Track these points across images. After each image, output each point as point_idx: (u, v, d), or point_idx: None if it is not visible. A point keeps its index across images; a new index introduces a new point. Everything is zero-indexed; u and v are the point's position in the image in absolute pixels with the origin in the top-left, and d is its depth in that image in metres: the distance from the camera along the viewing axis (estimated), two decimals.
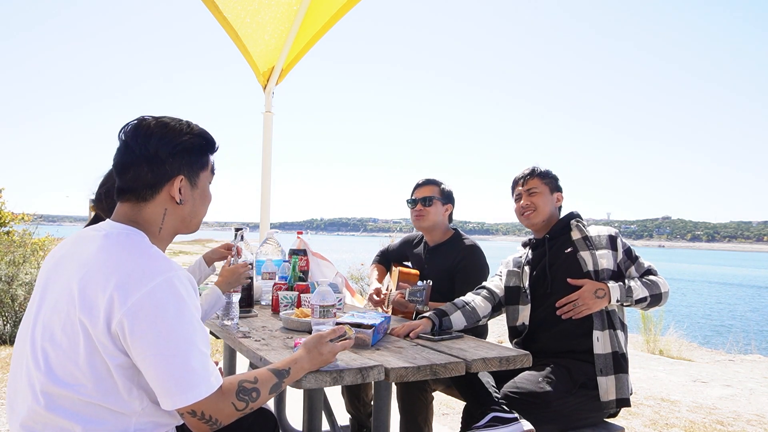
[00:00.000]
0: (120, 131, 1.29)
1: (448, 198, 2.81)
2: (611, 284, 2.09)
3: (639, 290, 2.11)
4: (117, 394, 1.17)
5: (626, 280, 2.14)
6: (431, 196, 2.76)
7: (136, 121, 1.29)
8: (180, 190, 1.30)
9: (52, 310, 1.20)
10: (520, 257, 2.39)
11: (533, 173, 2.35)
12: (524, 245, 2.44)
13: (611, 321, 2.12)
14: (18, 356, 1.26)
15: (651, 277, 2.17)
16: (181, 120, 1.33)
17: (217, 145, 1.38)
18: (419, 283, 2.34)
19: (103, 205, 1.85)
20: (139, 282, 1.13)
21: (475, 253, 2.67)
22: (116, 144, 1.32)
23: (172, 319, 1.13)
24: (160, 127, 1.28)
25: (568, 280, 2.15)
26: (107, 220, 1.31)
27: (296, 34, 3.93)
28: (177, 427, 1.32)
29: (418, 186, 2.84)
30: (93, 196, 1.90)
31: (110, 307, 1.12)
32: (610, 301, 2.08)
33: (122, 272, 1.14)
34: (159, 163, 1.26)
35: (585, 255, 2.17)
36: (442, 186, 2.81)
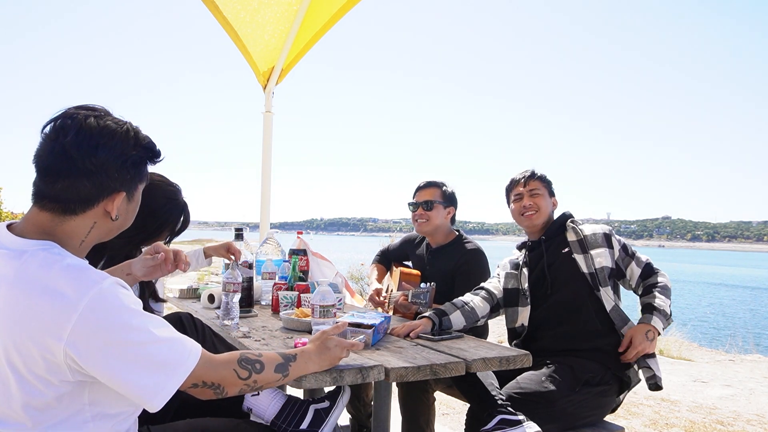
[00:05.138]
0: (51, 128, 1.13)
1: (450, 200, 2.77)
2: (654, 320, 2.10)
3: (666, 305, 2.14)
4: (61, 419, 1.10)
5: (653, 301, 2.14)
6: (432, 200, 2.72)
7: (72, 122, 1.12)
8: (116, 206, 1.18)
9: None
10: (517, 259, 2.39)
11: (534, 175, 2.36)
12: (519, 247, 2.44)
13: (619, 318, 2.16)
14: None
15: (659, 281, 2.19)
16: (125, 123, 1.19)
17: (162, 157, 1.26)
18: (423, 285, 2.33)
19: None
20: (66, 311, 1.02)
21: (478, 256, 2.65)
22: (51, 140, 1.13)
23: (115, 333, 1.05)
24: (107, 135, 1.13)
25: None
26: (4, 230, 1.14)
27: (296, 34, 3.93)
28: None
29: (419, 188, 2.80)
30: None
31: (46, 344, 1.02)
32: (660, 334, 2.12)
33: (45, 305, 1.03)
34: (103, 177, 1.13)
35: (579, 258, 2.19)
36: (444, 188, 2.77)
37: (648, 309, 2.17)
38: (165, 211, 1.98)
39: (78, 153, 1.10)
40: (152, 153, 1.23)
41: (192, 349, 1.15)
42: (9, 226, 1.15)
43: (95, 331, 1.03)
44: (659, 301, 2.14)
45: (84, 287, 1.04)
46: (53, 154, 1.11)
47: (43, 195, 1.13)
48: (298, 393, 1.66)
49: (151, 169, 1.30)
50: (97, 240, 1.22)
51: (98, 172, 1.12)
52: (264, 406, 1.58)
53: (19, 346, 1.04)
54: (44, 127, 1.13)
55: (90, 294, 1.04)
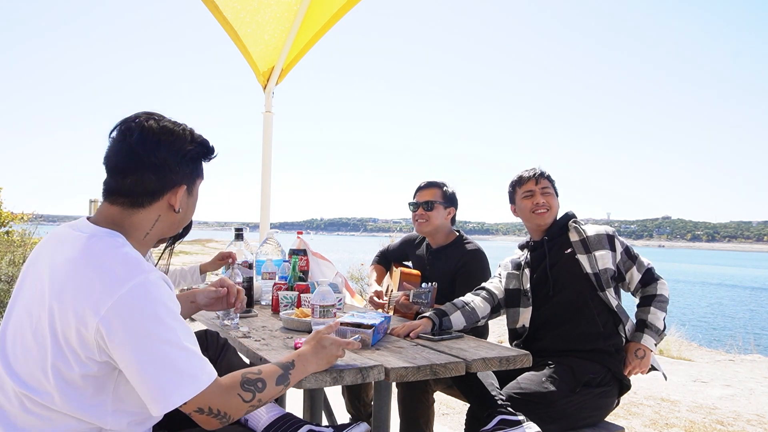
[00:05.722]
0: (117, 131, 1.26)
1: (450, 201, 2.76)
2: (644, 338, 2.15)
3: (659, 319, 2.17)
4: (85, 404, 1.14)
5: (647, 317, 2.18)
6: (433, 200, 2.71)
7: (135, 124, 1.25)
8: (179, 199, 1.30)
9: (25, 312, 1.18)
10: (519, 259, 2.37)
11: (544, 174, 2.33)
12: (521, 247, 2.42)
13: (622, 314, 2.18)
14: None
15: (657, 292, 2.19)
16: (181, 124, 1.32)
17: (215, 153, 1.38)
18: (424, 285, 2.32)
19: None
20: (110, 289, 1.10)
21: (478, 257, 2.65)
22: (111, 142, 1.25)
23: (148, 322, 1.10)
24: (167, 133, 1.27)
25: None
26: (84, 219, 1.27)
27: (296, 34, 3.93)
28: None
29: (419, 189, 2.79)
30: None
31: (83, 313, 1.09)
32: (653, 351, 2.16)
33: (94, 279, 1.12)
34: (166, 171, 1.26)
35: (582, 258, 2.18)
36: (445, 188, 2.76)
37: (640, 326, 2.19)
38: None
39: (143, 150, 1.23)
40: (207, 149, 1.35)
41: (208, 371, 1.17)
42: (87, 219, 1.29)
43: (130, 314, 1.10)
44: (652, 316, 2.17)
45: (133, 272, 1.13)
46: (121, 153, 1.24)
47: (113, 191, 1.25)
48: (298, 393, 1.65)
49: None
50: (160, 234, 1.32)
51: (162, 166, 1.25)
52: (257, 417, 1.53)
53: (62, 312, 1.11)
54: (111, 132, 1.27)
55: (136, 279, 1.12)
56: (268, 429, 1.50)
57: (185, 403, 1.13)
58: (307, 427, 1.49)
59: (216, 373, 1.18)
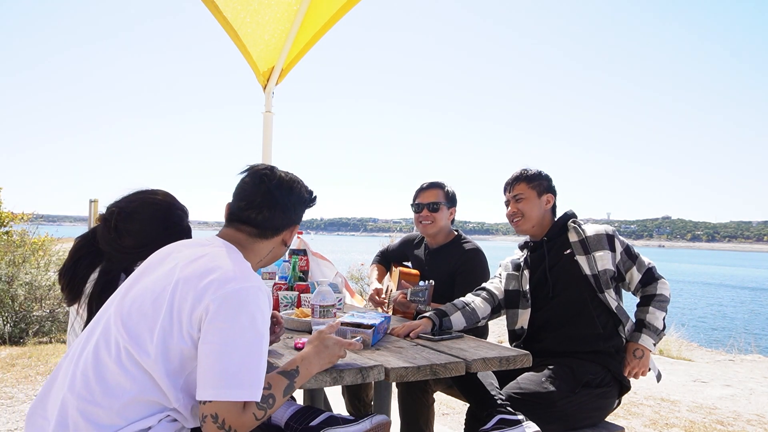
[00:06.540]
0: (254, 175, 1.47)
1: (452, 201, 2.77)
2: (642, 338, 2.13)
3: (658, 319, 2.15)
4: (168, 371, 1.23)
5: (645, 317, 2.16)
6: (437, 201, 2.70)
7: (270, 171, 1.48)
8: (291, 236, 1.53)
9: (150, 285, 1.31)
10: (519, 260, 2.36)
11: (519, 178, 2.30)
12: (521, 247, 2.40)
13: (622, 315, 2.16)
14: (98, 317, 1.36)
15: (657, 292, 2.17)
16: (297, 177, 1.56)
17: (316, 201, 1.62)
18: (421, 283, 2.32)
19: (110, 223, 1.75)
20: (234, 279, 1.26)
21: (477, 257, 2.65)
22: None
23: (249, 320, 1.23)
24: (296, 182, 1.53)
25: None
26: (215, 236, 1.46)
27: (296, 34, 3.93)
28: None
29: (422, 189, 2.77)
30: (104, 210, 1.80)
31: (203, 292, 1.23)
32: (651, 351, 2.15)
33: (222, 270, 1.28)
34: (291, 213, 1.49)
35: (581, 259, 2.16)
36: (447, 189, 2.76)
37: (639, 326, 2.18)
38: (177, 230, 1.97)
39: (280, 193, 1.47)
40: (313, 198, 1.59)
41: (258, 393, 1.22)
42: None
43: (238, 305, 1.23)
44: (651, 316, 2.15)
45: (253, 278, 1.31)
46: (260, 193, 1.45)
47: (243, 220, 1.46)
48: (299, 393, 1.65)
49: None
50: (266, 263, 1.53)
51: (290, 209, 1.49)
52: (281, 411, 1.60)
53: (185, 287, 1.25)
54: (244, 175, 1.50)
55: (254, 284, 1.28)
56: (290, 420, 1.57)
57: (215, 402, 1.18)
58: (327, 414, 1.57)
59: (260, 397, 1.24)
